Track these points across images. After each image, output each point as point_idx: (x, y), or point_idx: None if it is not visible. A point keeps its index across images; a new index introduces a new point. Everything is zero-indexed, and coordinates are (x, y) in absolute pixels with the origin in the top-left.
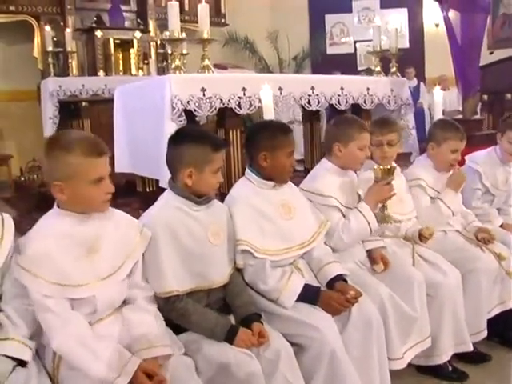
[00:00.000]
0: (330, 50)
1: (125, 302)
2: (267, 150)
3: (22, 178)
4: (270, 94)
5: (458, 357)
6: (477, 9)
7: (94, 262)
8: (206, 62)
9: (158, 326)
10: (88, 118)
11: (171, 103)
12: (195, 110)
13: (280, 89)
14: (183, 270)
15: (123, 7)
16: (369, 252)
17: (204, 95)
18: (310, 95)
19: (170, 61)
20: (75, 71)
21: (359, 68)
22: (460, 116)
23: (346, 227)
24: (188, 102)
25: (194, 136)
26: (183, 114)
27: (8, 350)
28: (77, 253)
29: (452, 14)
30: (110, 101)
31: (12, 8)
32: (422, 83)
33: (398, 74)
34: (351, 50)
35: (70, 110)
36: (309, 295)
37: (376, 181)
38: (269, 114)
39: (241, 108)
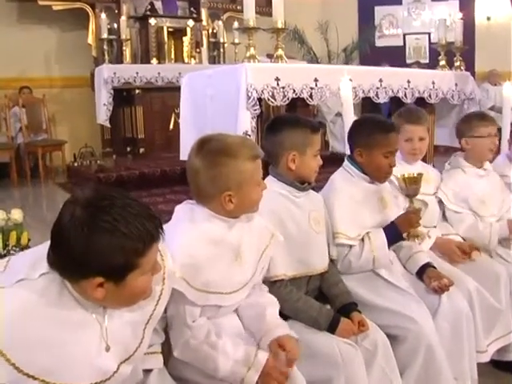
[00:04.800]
0: (378, 43)
1: None
2: (363, 146)
3: (76, 164)
4: (350, 85)
5: None
6: None
7: (241, 267)
8: (280, 51)
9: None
10: (141, 105)
11: (247, 92)
12: (269, 100)
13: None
14: (287, 256)
15: None
16: None
17: (278, 85)
18: (378, 88)
19: (222, 49)
20: (128, 59)
21: (408, 61)
22: None
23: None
24: (262, 91)
25: (291, 121)
26: (258, 103)
27: (159, 364)
28: (228, 259)
29: None
30: (163, 89)
31: None
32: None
33: (462, 67)
34: (400, 43)
35: (122, 97)
36: (391, 235)
37: (402, 192)
38: (348, 107)
39: (312, 99)
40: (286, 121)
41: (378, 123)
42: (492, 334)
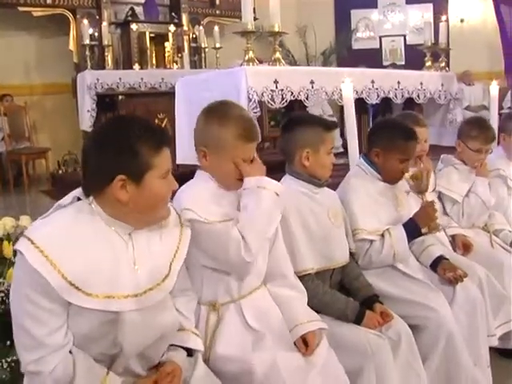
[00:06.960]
0: (355, 45)
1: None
2: (381, 148)
3: (60, 171)
4: (351, 88)
5: None
6: None
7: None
8: (277, 54)
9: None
10: (124, 111)
11: (247, 95)
12: (268, 102)
13: (342, 82)
14: (312, 251)
15: (157, 0)
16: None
17: (276, 87)
18: (370, 89)
19: (203, 54)
20: (110, 64)
21: (384, 63)
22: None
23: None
24: (262, 93)
25: (305, 119)
26: (258, 105)
27: (185, 341)
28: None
29: (503, 8)
30: (146, 94)
31: (49, 1)
32: None
33: (448, 68)
34: (376, 45)
35: (104, 103)
36: (410, 231)
37: (413, 190)
38: (349, 109)
39: (308, 100)
40: (300, 119)
41: (400, 129)
42: (498, 318)
